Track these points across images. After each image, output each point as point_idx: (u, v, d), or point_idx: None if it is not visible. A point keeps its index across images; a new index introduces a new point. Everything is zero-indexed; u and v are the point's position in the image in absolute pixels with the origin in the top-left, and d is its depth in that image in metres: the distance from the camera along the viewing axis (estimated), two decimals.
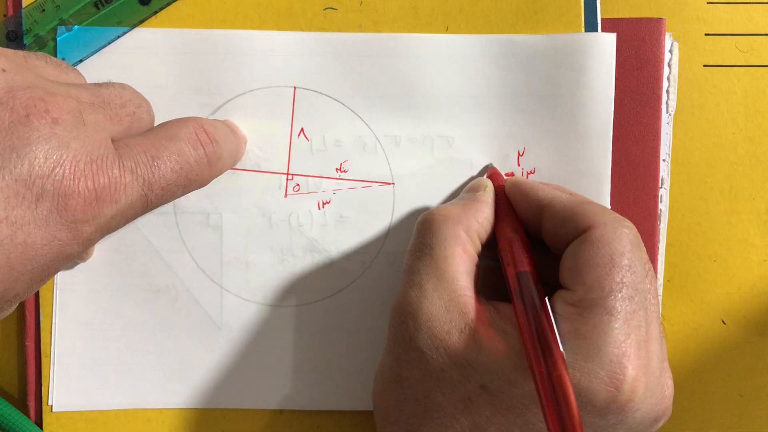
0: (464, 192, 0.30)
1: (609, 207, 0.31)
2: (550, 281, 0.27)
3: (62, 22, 0.30)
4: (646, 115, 0.31)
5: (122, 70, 0.30)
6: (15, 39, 0.30)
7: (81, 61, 0.30)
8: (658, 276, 0.32)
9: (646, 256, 0.26)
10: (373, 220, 0.31)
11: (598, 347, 0.23)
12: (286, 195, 0.31)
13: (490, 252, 0.29)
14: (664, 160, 0.32)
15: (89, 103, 0.24)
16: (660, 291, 0.32)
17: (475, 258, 0.27)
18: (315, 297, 0.32)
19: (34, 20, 0.30)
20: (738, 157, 0.32)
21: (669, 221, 0.32)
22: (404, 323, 0.26)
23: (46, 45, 0.30)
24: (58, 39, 0.30)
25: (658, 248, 0.32)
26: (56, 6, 0.30)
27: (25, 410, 0.31)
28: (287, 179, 0.31)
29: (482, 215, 0.28)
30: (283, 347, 0.32)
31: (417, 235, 0.28)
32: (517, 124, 0.31)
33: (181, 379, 0.32)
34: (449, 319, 0.25)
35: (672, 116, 0.32)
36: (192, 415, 0.32)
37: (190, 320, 0.31)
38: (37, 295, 0.31)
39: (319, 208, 0.31)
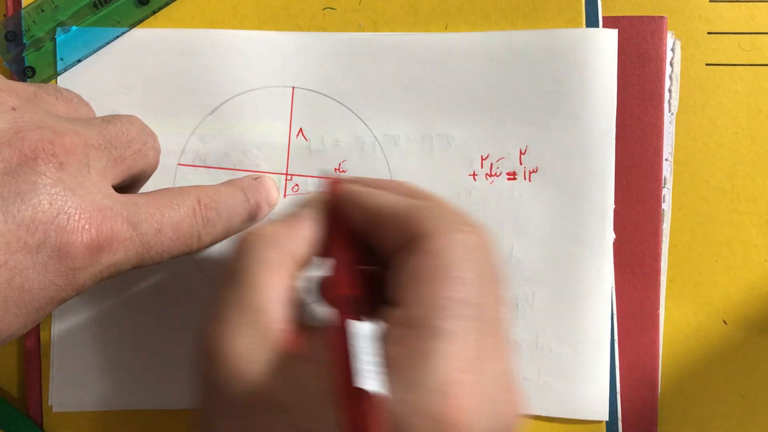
0: (295, 206, 0.27)
1: (611, 207, 0.31)
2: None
3: (61, 23, 0.30)
4: (648, 114, 0.31)
5: (121, 71, 0.30)
6: (14, 39, 0.30)
7: (80, 61, 0.30)
8: (661, 276, 0.32)
9: (489, 261, 0.23)
10: None
11: (419, 376, 0.20)
12: (284, 195, 0.31)
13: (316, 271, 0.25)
14: (666, 160, 0.31)
15: (96, 145, 0.24)
16: (662, 291, 0.32)
17: (291, 282, 0.24)
18: (315, 297, 0.31)
19: (33, 21, 0.30)
20: (740, 157, 0.32)
21: (671, 221, 0.32)
22: (205, 364, 0.22)
23: (45, 45, 0.30)
24: (57, 39, 0.30)
25: (662, 249, 0.31)
26: (55, 6, 0.30)
27: (25, 410, 0.31)
28: (286, 179, 0.31)
29: (303, 233, 0.24)
30: None
31: (230, 257, 0.24)
32: (519, 122, 0.31)
33: (181, 380, 0.31)
34: (255, 357, 0.22)
35: (674, 115, 0.32)
36: (192, 415, 0.32)
37: (191, 321, 0.31)
38: None
39: None
